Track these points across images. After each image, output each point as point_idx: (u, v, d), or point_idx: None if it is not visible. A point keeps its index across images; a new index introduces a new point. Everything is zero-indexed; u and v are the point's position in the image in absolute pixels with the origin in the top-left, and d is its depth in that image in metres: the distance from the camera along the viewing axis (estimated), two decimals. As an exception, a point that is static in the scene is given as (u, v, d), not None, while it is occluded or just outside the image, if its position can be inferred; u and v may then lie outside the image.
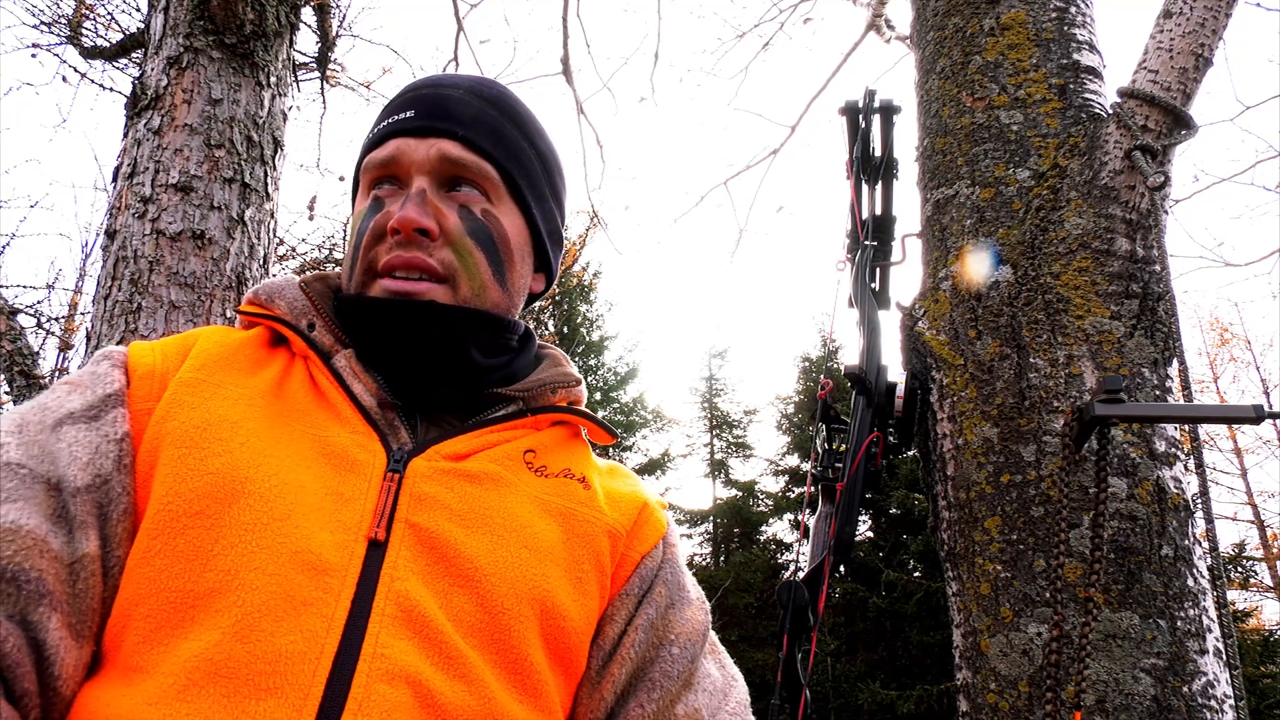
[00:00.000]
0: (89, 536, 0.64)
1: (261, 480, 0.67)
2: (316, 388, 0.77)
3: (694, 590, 0.87)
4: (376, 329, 0.78)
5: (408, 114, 0.82)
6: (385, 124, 0.83)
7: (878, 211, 2.09)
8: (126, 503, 0.67)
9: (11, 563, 0.60)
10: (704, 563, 19.60)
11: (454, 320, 0.78)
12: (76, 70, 4.69)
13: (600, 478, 0.87)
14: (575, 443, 0.89)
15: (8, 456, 0.65)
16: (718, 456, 20.54)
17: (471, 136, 0.81)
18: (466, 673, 0.67)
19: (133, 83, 2.47)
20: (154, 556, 0.64)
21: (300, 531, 0.66)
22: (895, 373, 1.75)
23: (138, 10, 4.48)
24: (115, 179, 2.36)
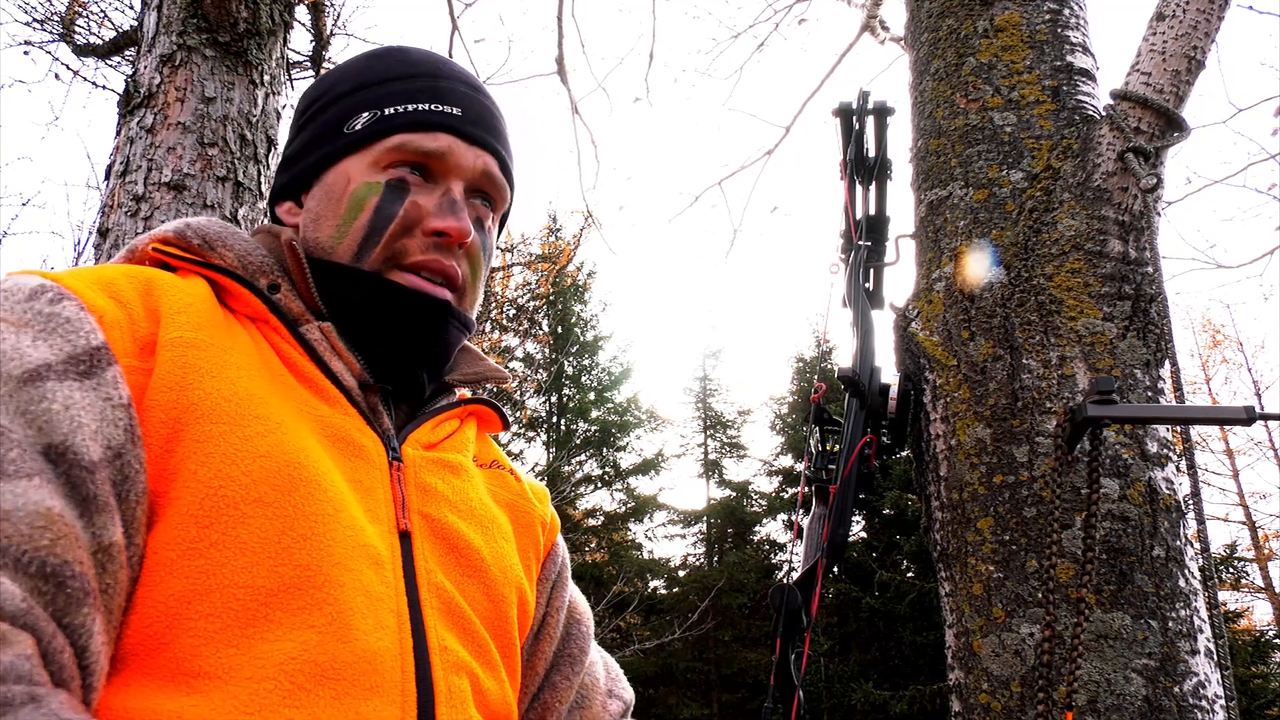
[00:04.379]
0: (113, 521, 0.55)
1: (310, 466, 0.63)
2: (285, 360, 0.71)
3: None
4: (391, 317, 0.75)
5: (455, 110, 0.79)
6: (431, 109, 0.78)
7: (871, 212, 2.09)
8: (143, 483, 0.58)
9: (51, 555, 0.50)
10: (698, 563, 19.60)
11: (456, 324, 0.79)
12: (69, 68, 4.68)
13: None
14: (483, 432, 0.91)
15: None
16: (712, 457, 20.54)
17: (505, 159, 0.83)
18: (491, 660, 0.71)
19: (125, 80, 2.46)
20: (210, 548, 0.58)
21: (356, 523, 0.65)
22: (889, 373, 1.75)
23: (131, 8, 4.46)
24: (108, 177, 2.35)
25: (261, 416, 0.63)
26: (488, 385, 0.90)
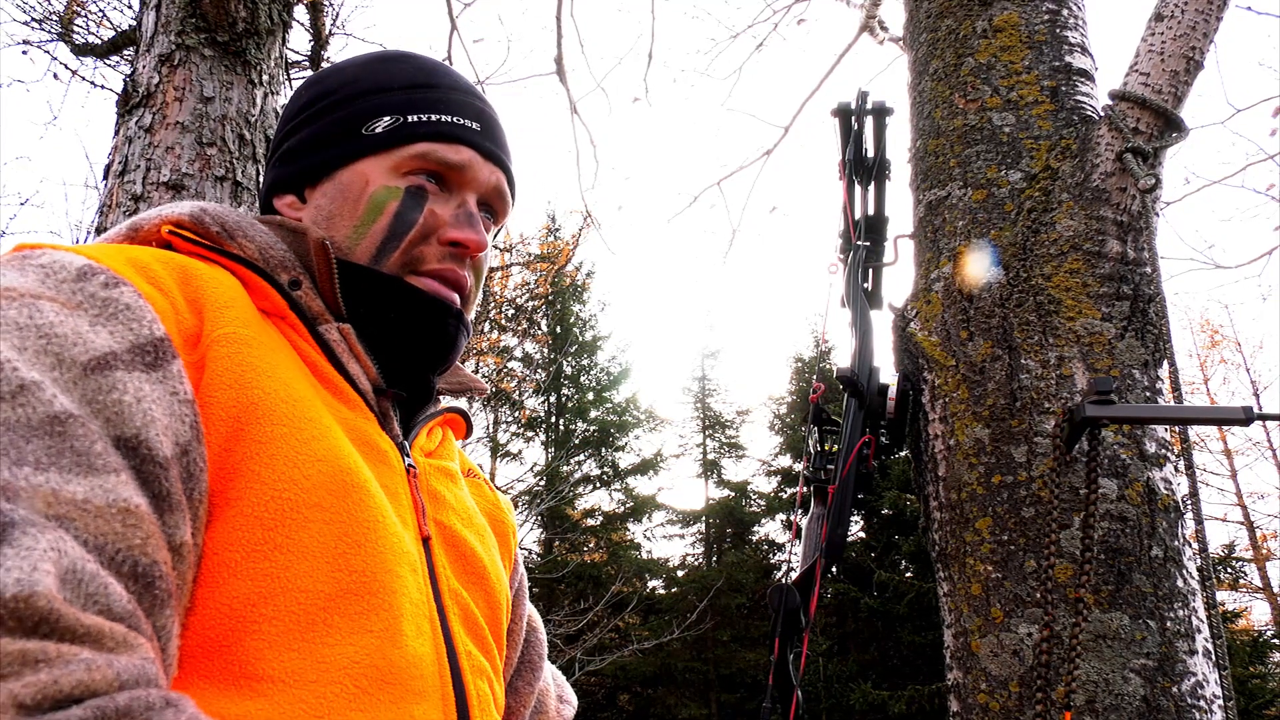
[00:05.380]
0: (184, 520, 0.53)
1: (357, 471, 0.64)
2: (306, 360, 0.69)
3: None
4: (412, 321, 0.75)
5: (474, 125, 0.80)
6: (455, 121, 0.79)
7: (870, 212, 2.09)
8: (205, 482, 0.56)
9: (142, 555, 0.49)
10: (696, 563, 19.60)
11: (465, 331, 0.81)
12: (68, 67, 4.67)
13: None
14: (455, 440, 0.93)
15: (61, 405, 0.49)
16: (710, 457, 20.54)
17: (513, 176, 0.85)
18: (496, 665, 0.74)
19: (124, 80, 2.46)
20: (275, 551, 0.57)
21: (397, 530, 0.66)
22: (888, 374, 1.75)
23: (129, 7, 4.46)
24: (106, 177, 2.35)
25: (313, 419, 0.63)
26: (471, 395, 0.92)
